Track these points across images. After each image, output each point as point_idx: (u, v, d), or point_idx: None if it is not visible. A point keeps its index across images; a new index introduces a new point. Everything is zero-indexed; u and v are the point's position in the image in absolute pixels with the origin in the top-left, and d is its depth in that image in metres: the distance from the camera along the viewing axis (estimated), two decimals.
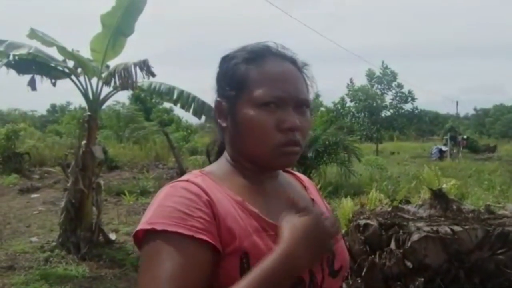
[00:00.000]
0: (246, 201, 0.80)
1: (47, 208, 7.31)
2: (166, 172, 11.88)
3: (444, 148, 22.11)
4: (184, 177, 0.82)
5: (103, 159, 5.67)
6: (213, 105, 0.90)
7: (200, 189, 0.77)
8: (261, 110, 0.81)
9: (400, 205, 2.02)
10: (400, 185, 9.00)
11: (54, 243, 4.99)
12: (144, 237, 0.74)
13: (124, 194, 7.94)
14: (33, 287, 3.87)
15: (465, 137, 26.38)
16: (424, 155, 21.77)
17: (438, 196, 1.86)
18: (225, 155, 0.90)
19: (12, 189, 9.21)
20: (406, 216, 1.84)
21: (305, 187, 0.98)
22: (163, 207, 0.74)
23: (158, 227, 0.71)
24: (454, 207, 1.85)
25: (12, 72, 4.75)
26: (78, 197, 4.98)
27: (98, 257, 4.74)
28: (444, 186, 1.96)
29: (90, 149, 5.07)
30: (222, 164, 0.89)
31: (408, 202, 2.14)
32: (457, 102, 29.80)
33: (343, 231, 1.88)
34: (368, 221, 1.79)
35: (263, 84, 0.82)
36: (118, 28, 4.75)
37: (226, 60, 0.88)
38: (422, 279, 1.57)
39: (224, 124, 0.86)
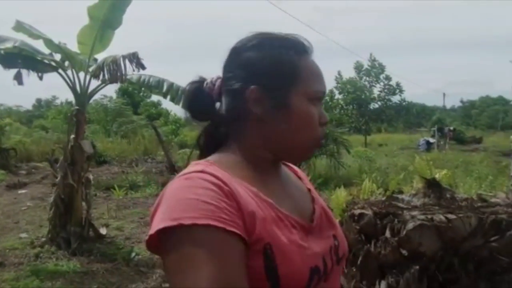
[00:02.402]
0: (260, 191, 0.78)
1: (36, 204, 7.22)
2: (155, 166, 11.81)
3: (431, 140, 22.38)
4: (196, 167, 0.77)
5: (92, 153, 5.60)
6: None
7: (218, 180, 0.73)
8: (311, 104, 0.83)
9: (393, 195, 2.04)
10: (389, 176, 9.11)
11: (44, 239, 4.95)
12: (168, 236, 0.67)
13: (114, 189, 7.88)
14: (23, 283, 3.83)
15: (451, 128, 26.72)
16: (411, 147, 22.00)
17: (432, 185, 1.89)
18: (231, 145, 0.85)
19: None
20: (400, 205, 1.86)
21: (300, 178, 0.99)
22: (185, 200, 0.69)
23: (186, 222, 0.66)
24: (448, 195, 1.87)
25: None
26: (68, 192, 4.93)
27: (89, 252, 4.71)
28: (436, 175, 1.98)
29: (78, 144, 5.02)
30: (228, 154, 0.84)
31: (400, 192, 2.17)
32: (444, 94, 30.20)
33: (337, 220, 1.89)
34: (363, 211, 1.80)
35: (313, 79, 0.84)
36: (105, 20, 4.68)
37: (267, 47, 0.83)
38: (417, 267, 1.59)
39: (259, 112, 0.81)
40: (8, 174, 10.29)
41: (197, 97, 0.88)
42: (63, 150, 5.23)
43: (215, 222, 0.66)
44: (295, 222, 0.79)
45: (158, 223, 0.68)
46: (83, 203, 5.09)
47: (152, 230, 0.69)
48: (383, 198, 1.97)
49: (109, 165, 12.08)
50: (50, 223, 4.97)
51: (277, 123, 0.82)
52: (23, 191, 8.51)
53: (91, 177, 5.49)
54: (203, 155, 0.86)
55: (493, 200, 1.91)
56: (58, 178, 5.06)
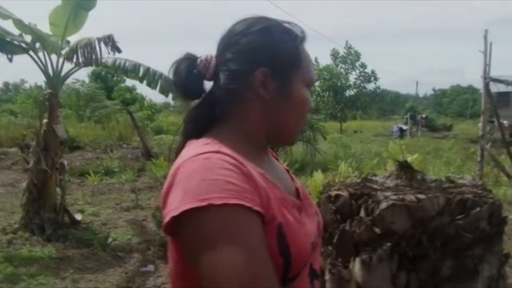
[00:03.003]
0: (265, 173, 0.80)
1: (6, 190, 7.04)
2: (130, 152, 11.65)
3: (404, 127, 22.92)
4: (209, 147, 0.75)
5: (66, 138, 5.49)
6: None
7: (236, 161, 0.73)
8: (307, 90, 0.87)
9: (368, 177, 2.12)
10: (363, 162, 9.32)
11: (16, 225, 4.85)
12: (195, 217, 0.66)
13: (89, 175, 7.77)
14: None
15: (424, 116, 27.43)
16: (385, 134, 22.49)
17: (404, 167, 1.97)
18: (229, 126, 0.84)
19: None
20: (374, 186, 1.93)
21: (275, 158, 1.02)
22: (210, 180, 0.68)
23: (217, 202, 0.65)
24: (419, 177, 1.96)
25: None
26: (41, 177, 4.83)
27: (64, 238, 4.65)
28: (408, 159, 2.06)
29: (52, 128, 4.91)
30: (227, 135, 0.81)
31: (374, 175, 2.25)
32: (416, 83, 31.01)
33: (314, 202, 1.95)
34: (339, 192, 1.87)
35: (309, 66, 0.88)
36: (78, 1, 4.55)
37: (274, 32, 0.84)
38: (389, 244, 1.67)
39: (264, 94, 0.82)
40: None
41: (189, 74, 0.85)
42: (36, 135, 5.10)
43: (243, 201, 0.66)
44: (292, 202, 0.82)
45: (180, 204, 0.66)
46: (57, 189, 5.01)
47: (175, 211, 0.66)
48: (358, 180, 2.05)
49: (83, 151, 11.82)
50: (23, 209, 4.87)
51: (278, 106, 0.84)
52: None
53: (65, 162, 5.39)
54: (192, 134, 0.84)
55: (460, 181, 2.02)
56: (31, 163, 4.95)
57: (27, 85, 33.32)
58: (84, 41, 4.28)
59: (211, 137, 0.80)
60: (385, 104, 33.45)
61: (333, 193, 1.88)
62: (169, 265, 0.82)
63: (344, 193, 1.83)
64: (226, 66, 0.84)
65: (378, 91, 25.50)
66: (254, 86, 0.82)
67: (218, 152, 0.73)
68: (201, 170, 0.69)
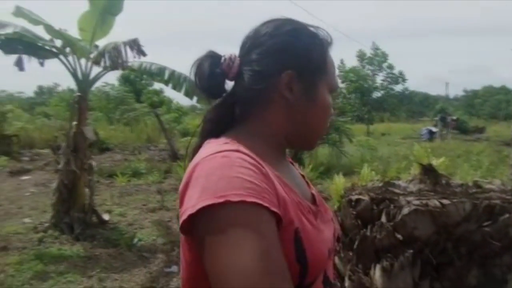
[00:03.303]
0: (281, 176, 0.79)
1: (39, 190, 7.29)
2: (157, 154, 11.86)
3: (434, 129, 22.29)
4: (228, 146, 0.75)
5: (94, 140, 5.64)
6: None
7: (255, 161, 0.71)
8: (330, 96, 0.87)
9: (390, 181, 2.06)
10: (390, 165, 9.13)
11: (47, 224, 5.00)
12: (212, 214, 0.64)
13: (117, 176, 7.94)
14: (27, 266, 3.89)
15: (454, 118, 26.60)
16: (414, 136, 21.96)
17: (428, 171, 1.91)
18: (249, 128, 0.83)
19: (2, 171, 9.13)
20: (396, 191, 1.88)
21: (292, 163, 1.00)
22: (229, 178, 0.66)
23: (234, 199, 0.63)
24: (443, 181, 1.90)
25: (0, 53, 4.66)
26: (71, 178, 4.97)
27: (92, 237, 4.77)
28: (433, 162, 2.00)
29: (81, 130, 5.05)
30: (247, 137, 0.80)
31: (398, 179, 2.19)
32: (446, 84, 30.00)
33: (335, 206, 1.92)
34: (360, 197, 1.83)
35: (334, 72, 0.88)
36: (105, 6, 4.67)
37: (303, 35, 0.84)
38: (411, 251, 1.62)
39: (290, 97, 0.81)
40: (11, 161, 10.34)
41: (212, 73, 0.84)
42: (66, 137, 5.26)
43: (261, 201, 0.65)
44: (308, 207, 0.81)
45: (198, 202, 0.65)
46: (86, 189, 5.15)
47: (192, 209, 0.65)
48: (380, 184, 2.00)
49: (112, 153, 12.13)
50: (53, 209, 5.03)
51: (303, 109, 0.83)
52: (26, 177, 8.57)
53: (93, 163, 5.53)
54: (211, 134, 0.82)
55: (487, 186, 1.93)
56: (61, 164, 5.11)
57: (60, 89, 34.46)
58: (111, 45, 4.39)
59: (230, 137, 0.79)
60: (414, 105, 32.75)
61: (354, 197, 1.84)
62: (181, 267, 0.80)
63: (365, 198, 1.79)
64: (251, 67, 0.82)
65: (406, 92, 25.01)
66: (280, 88, 0.81)
67: (237, 151, 0.72)
68: (219, 168, 0.68)
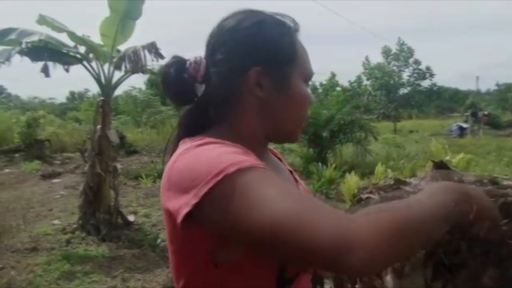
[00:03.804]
0: None
1: (69, 192, 7.53)
2: None
3: (464, 125, 21.61)
4: (205, 140, 0.75)
5: (118, 143, 5.77)
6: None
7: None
8: (305, 85, 0.85)
9: (403, 179, 2.00)
10: (417, 163, 8.90)
11: (75, 226, 5.16)
12: (216, 194, 0.64)
13: (142, 178, 8.10)
14: (55, 267, 4.03)
15: (486, 113, 25.67)
16: (444, 133, 21.35)
17: (440, 167, 1.83)
18: (224, 127, 0.81)
19: (35, 175, 9.49)
20: (407, 189, 1.82)
21: (280, 159, 0.99)
22: (215, 156, 0.68)
23: (231, 169, 0.64)
24: (456, 178, 1.82)
25: (28, 60, 4.84)
26: (96, 180, 5.11)
27: (117, 238, 4.88)
28: (447, 158, 1.92)
29: (105, 134, 5.18)
30: (222, 136, 0.78)
31: (414, 176, 2.12)
32: (477, 77, 29.02)
33: (347, 206, 1.88)
34: (370, 195, 1.78)
35: (307, 60, 0.85)
36: (126, 12, 4.77)
37: (267, 26, 0.80)
38: (423, 251, 1.56)
39: (260, 94, 0.80)
40: (43, 164, 10.74)
41: (179, 79, 0.82)
42: (91, 140, 5.41)
43: (257, 165, 0.67)
44: None
45: (197, 191, 0.64)
46: (111, 191, 5.27)
47: (195, 199, 0.64)
48: (392, 182, 1.94)
49: (139, 155, 12.39)
50: (80, 211, 5.18)
51: (276, 104, 0.80)
52: (57, 180, 8.88)
53: (118, 166, 5.66)
54: (189, 137, 0.81)
55: (505, 182, 1.84)
56: (87, 167, 5.26)
57: (90, 94, 35.55)
58: (130, 50, 4.48)
59: (206, 136, 0.78)
60: (443, 101, 31.86)
61: (364, 195, 1.79)
62: (173, 264, 0.80)
63: (375, 196, 1.74)
64: (217, 68, 0.80)
65: (435, 88, 24.29)
66: (249, 87, 0.79)
67: (213, 141, 0.74)
68: (201, 154, 0.69)
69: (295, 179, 0.95)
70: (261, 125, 0.82)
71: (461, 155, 2.37)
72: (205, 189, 0.64)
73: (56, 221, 5.63)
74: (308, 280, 0.81)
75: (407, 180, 2.10)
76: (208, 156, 0.68)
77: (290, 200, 0.61)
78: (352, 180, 2.23)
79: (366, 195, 1.95)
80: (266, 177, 0.65)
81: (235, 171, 0.64)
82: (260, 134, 0.83)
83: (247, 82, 0.79)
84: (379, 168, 2.27)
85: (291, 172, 0.97)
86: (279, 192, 0.63)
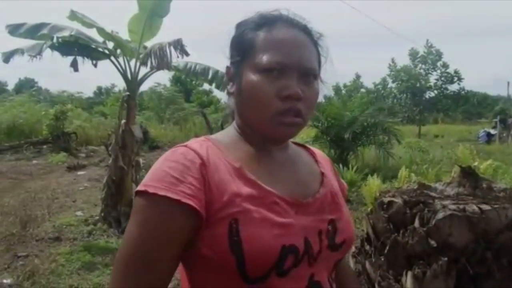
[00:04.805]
0: (244, 167, 0.80)
1: (92, 185, 7.70)
2: None
3: (492, 131, 20.99)
4: (189, 142, 0.83)
5: (141, 138, 5.85)
6: None
7: (196, 155, 0.77)
8: (263, 76, 0.79)
9: (427, 184, 1.96)
10: (442, 169, 8.70)
11: (97, 217, 5.26)
12: (139, 197, 0.76)
13: None
14: (76, 257, 4.11)
15: None
16: (470, 139, 20.79)
17: (468, 174, 1.78)
18: (233, 123, 0.90)
19: (61, 166, 9.75)
20: (432, 194, 1.78)
21: (316, 161, 0.96)
22: (158, 170, 0.76)
23: (150, 190, 0.73)
24: (484, 185, 1.76)
25: (58, 55, 4.96)
26: (119, 174, 5.19)
27: None
28: (475, 164, 1.87)
29: (129, 128, 5.25)
30: (229, 131, 0.90)
31: (439, 181, 2.07)
32: (508, 83, 28.03)
33: (368, 209, 1.85)
34: (393, 199, 1.75)
35: (267, 49, 0.80)
36: (153, 9, 4.83)
37: (238, 26, 0.87)
38: (446, 259, 1.52)
39: (231, 90, 0.86)
40: (69, 157, 11.02)
41: None
42: (115, 134, 5.51)
43: (171, 194, 0.72)
44: (278, 198, 0.78)
45: (139, 186, 0.77)
46: (133, 185, 5.35)
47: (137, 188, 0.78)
48: (415, 187, 1.90)
49: (161, 150, 12.55)
50: (102, 203, 5.28)
51: (237, 98, 0.85)
52: (82, 172, 9.09)
53: (141, 160, 5.74)
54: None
55: None
56: (110, 160, 5.35)
57: (116, 89, 36.28)
58: (157, 46, 4.53)
59: (215, 134, 0.90)
60: (471, 106, 31.00)
61: (386, 199, 1.76)
62: None
63: (398, 200, 1.71)
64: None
65: (463, 92, 23.64)
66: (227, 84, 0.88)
67: (185, 146, 0.80)
68: (160, 161, 0.79)
69: (322, 181, 0.91)
70: (241, 120, 0.87)
71: (489, 162, 2.30)
72: (137, 189, 0.77)
73: (79, 212, 5.76)
74: (297, 285, 0.77)
75: (432, 185, 2.05)
76: (157, 166, 0.78)
77: (132, 249, 0.74)
78: (374, 183, 2.21)
79: (388, 199, 1.92)
80: (143, 211, 0.75)
81: (151, 193, 0.73)
82: (246, 128, 0.86)
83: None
84: (403, 172, 2.24)
85: (322, 173, 0.92)
86: (136, 238, 0.74)
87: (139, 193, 0.76)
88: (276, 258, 0.73)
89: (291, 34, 0.82)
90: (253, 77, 0.80)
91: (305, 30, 0.85)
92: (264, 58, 0.79)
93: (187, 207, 0.72)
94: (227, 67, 0.88)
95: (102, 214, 5.22)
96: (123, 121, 5.30)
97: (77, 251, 4.26)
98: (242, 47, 0.83)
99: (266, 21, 0.83)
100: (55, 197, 6.70)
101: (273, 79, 0.78)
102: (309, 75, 0.81)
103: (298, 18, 0.86)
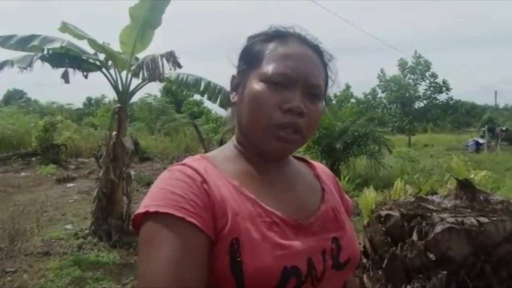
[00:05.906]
0: (243, 186, 0.78)
1: (82, 197, 7.58)
2: None
3: (481, 140, 21.30)
4: (187, 160, 0.81)
5: (133, 150, 5.79)
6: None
7: (195, 172, 0.76)
8: (267, 86, 0.78)
9: (424, 196, 1.95)
10: (432, 178, 8.75)
11: (87, 231, 5.17)
12: (141, 222, 0.72)
13: None
14: (66, 272, 4.02)
15: (504, 128, 25.25)
16: (459, 148, 21.06)
17: (464, 186, 1.78)
18: (233, 138, 0.88)
19: (50, 179, 9.60)
20: (430, 207, 1.77)
21: (317, 176, 0.94)
22: (158, 189, 0.74)
23: (151, 209, 0.70)
24: (481, 198, 1.76)
25: (48, 66, 4.92)
26: (109, 186, 5.12)
27: (128, 245, 4.86)
28: (471, 176, 1.87)
29: (120, 140, 5.20)
30: (226, 148, 0.88)
31: (435, 193, 2.07)
32: (495, 92, 28.57)
33: (365, 222, 1.84)
34: (390, 212, 1.74)
35: (275, 61, 0.79)
36: (145, 20, 4.83)
37: (249, 38, 0.87)
38: (445, 272, 1.51)
39: (233, 100, 0.86)
40: (59, 169, 10.85)
41: None
42: (106, 146, 5.44)
43: (174, 211, 0.69)
44: (278, 219, 0.76)
45: (138, 209, 0.74)
46: (124, 198, 5.28)
47: (136, 211, 0.75)
48: (412, 199, 1.89)
49: (152, 162, 12.47)
50: (93, 216, 5.19)
51: (238, 109, 0.84)
52: (71, 184, 8.96)
53: (132, 172, 5.67)
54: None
55: None
56: (101, 173, 5.28)
57: (106, 100, 36.06)
58: (149, 58, 4.52)
59: (212, 152, 0.88)
60: (459, 116, 31.42)
61: (384, 212, 1.75)
62: None
63: (396, 213, 1.70)
64: None
65: (451, 102, 23.99)
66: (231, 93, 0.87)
67: (183, 164, 0.78)
68: (159, 181, 0.77)
69: (323, 198, 0.89)
70: (240, 132, 0.85)
71: (483, 173, 2.32)
72: (137, 211, 0.73)
73: (69, 226, 5.65)
74: None
75: (429, 197, 2.05)
76: (157, 185, 0.75)
77: (162, 277, 0.67)
78: (369, 195, 2.20)
79: (386, 212, 1.91)
80: (160, 234, 0.69)
81: (153, 213, 0.70)
82: (246, 143, 0.84)
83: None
84: (398, 184, 2.24)
85: (323, 189, 0.91)
86: (160, 256, 0.68)
87: (140, 217, 0.72)
88: (278, 280, 0.70)
89: (301, 49, 0.82)
90: (257, 86, 0.79)
91: (317, 50, 0.85)
92: (270, 69, 0.79)
93: (192, 226, 0.69)
94: (232, 76, 0.87)
95: (92, 228, 5.13)
96: (114, 133, 5.25)
97: (66, 266, 4.17)
98: (249, 56, 0.84)
99: (278, 35, 0.84)
100: (44, 210, 6.58)
101: (276, 91, 0.78)
102: (314, 93, 0.80)
103: (311, 37, 0.86)
